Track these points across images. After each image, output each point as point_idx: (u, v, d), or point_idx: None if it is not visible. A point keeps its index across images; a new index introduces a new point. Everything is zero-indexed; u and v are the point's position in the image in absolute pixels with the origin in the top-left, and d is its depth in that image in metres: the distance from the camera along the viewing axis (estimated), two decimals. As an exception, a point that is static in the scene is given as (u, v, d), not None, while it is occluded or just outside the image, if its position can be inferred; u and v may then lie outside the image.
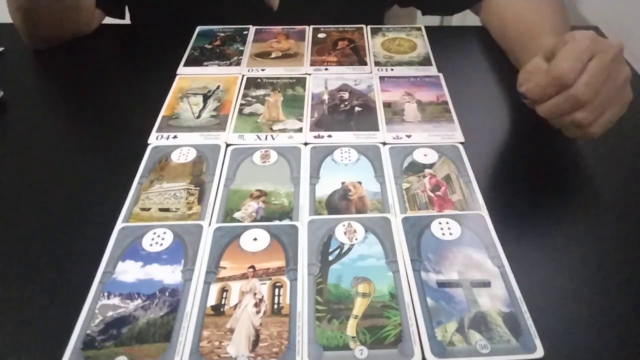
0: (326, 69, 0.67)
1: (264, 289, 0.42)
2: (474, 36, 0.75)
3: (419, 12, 0.87)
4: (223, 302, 0.41)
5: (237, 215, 0.48)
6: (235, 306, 0.40)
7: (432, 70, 0.67)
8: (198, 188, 0.50)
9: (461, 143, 0.55)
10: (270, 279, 0.42)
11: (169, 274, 0.43)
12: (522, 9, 0.66)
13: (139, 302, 0.41)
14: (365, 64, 0.68)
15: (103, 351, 0.38)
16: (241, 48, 0.71)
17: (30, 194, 0.51)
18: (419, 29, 0.75)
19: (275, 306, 0.40)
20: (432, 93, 0.63)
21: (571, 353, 0.38)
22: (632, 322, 0.40)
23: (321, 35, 0.74)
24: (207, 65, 0.68)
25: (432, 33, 0.74)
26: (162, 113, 0.60)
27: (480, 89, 0.65)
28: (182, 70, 0.67)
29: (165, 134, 0.57)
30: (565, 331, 0.39)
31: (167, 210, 0.48)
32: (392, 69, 0.67)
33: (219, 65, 0.68)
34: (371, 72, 0.67)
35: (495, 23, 0.71)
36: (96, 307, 0.40)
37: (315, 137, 0.56)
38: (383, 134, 0.57)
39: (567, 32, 0.61)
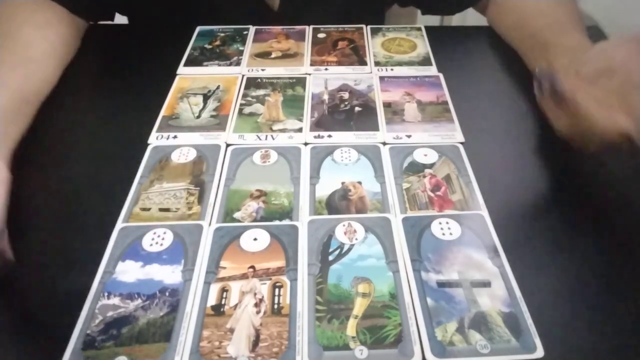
0: (326, 69, 0.67)
1: (264, 289, 0.42)
2: (474, 36, 0.75)
3: (419, 12, 0.86)
4: (223, 302, 0.41)
5: (237, 215, 0.48)
6: (236, 306, 0.40)
7: (432, 70, 0.67)
8: (198, 188, 0.50)
9: (461, 143, 0.55)
10: (270, 279, 0.42)
11: (169, 274, 0.43)
12: (543, 4, 0.66)
13: (139, 302, 0.41)
14: (365, 64, 0.68)
15: (103, 351, 0.38)
16: (241, 48, 0.71)
17: (30, 193, 0.51)
18: (419, 29, 0.75)
19: (275, 306, 0.40)
20: (432, 93, 0.63)
21: (571, 353, 0.38)
22: (632, 322, 0.40)
23: (321, 35, 0.74)
24: (207, 65, 0.68)
25: (432, 33, 0.74)
26: (162, 113, 0.60)
27: (480, 89, 0.65)
28: (182, 70, 0.67)
29: (165, 134, 0.57)
30: (565, 331, 0.39)
31: (167, 210, 0.48)
32: (392, 69, 0.67)
33: (219, 65, 0.68)
34: (371, 72, 0.67)
35: (510, 17, 0.70)
36: (96, 307, 0.40)
37: (315, 137, 0.56)
38: (383, 134, 0.57)
39: (583, 29, 0.61)
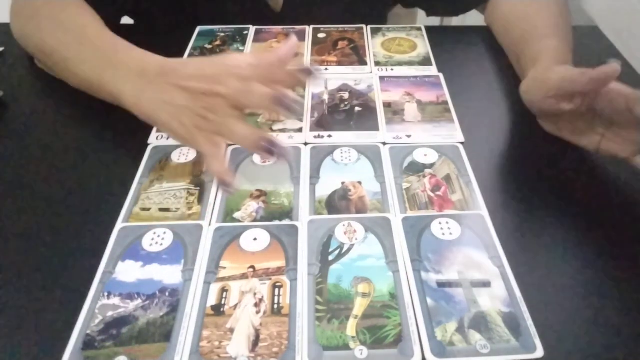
0: (326, 69, 0.67)
1: (264, 289, 0.42)
2: (474, 36, 0.75)
3: (419, 12, 0.86)
4: (223, 302, 0.41)
5: (237, 215, 0.48)
6: (235, 306, 0.40)
7: (432, 70, 0.67)
8: (198, 188, 0.50)
9: (461, 143, 0.55)
10: (270, 279, 0.42)
11: (169, 274, 0.43)
12: (528, 9, 0.66)
13: (139, 302, 0.41)
14: (365, 64, 0.68)
15: (103, 351, 0.38)
16: (241, 48, 0.71)
17: (30, 193, 0.51)
18: (419, 29, 0.75)
19: (275, 306, 0.40)
20: (432, 93, 0.63)
21: (571, 353, 0.38)
22: (632, 322, 0.40)
23: (321, 35, 0.74)
24: (207, 65, 0.68)
25: (432, 33, 0.74)
26: (162, 113, 0.60)
27: (480, 89, 0.65)
28: (182, 70, 0.67)
29: (165, 134, 0.57)
30: (565, 331, 0.39)
31: (167, 210, 0.48)
32: (392, 69, 0.67)
33: (219, 65, 0.68)
34: (371, 72, 0.67)
35: (499, 22, 0.71)
36: (96, 307, 0.40)
37: (315, 137, 0.56)
38: (383, 134, 0.57)
39: (569, 35, 0.61)
